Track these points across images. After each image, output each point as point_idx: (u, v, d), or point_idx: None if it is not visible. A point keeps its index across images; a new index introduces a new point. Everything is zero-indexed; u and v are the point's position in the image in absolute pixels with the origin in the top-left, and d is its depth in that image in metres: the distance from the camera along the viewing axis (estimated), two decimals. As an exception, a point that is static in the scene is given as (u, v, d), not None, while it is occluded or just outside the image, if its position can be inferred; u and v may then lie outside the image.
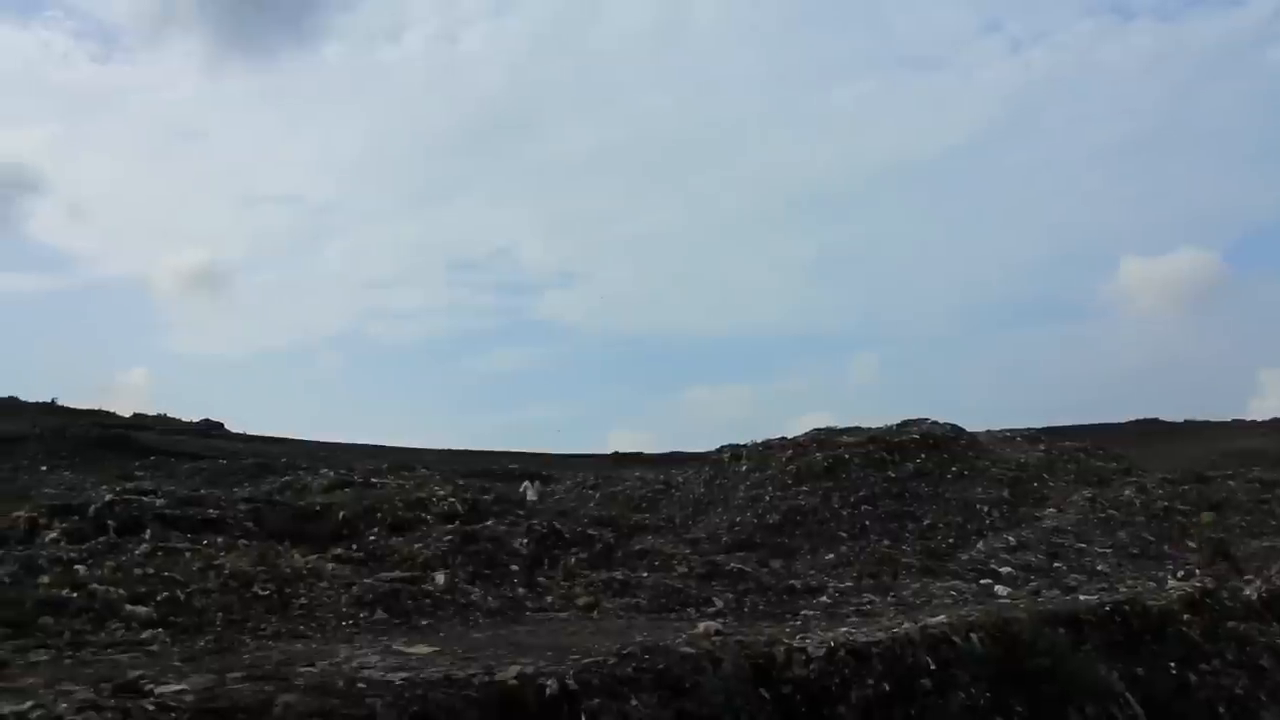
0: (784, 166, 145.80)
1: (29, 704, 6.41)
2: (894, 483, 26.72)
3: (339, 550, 17.71)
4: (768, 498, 25.92)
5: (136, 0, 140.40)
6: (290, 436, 50.19)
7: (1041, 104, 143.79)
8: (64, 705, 6.42)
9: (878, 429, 30.91)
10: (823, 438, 30.04)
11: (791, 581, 18.21)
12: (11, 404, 51.63)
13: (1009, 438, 35.85)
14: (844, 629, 12.36)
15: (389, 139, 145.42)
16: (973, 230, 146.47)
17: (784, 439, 30.76)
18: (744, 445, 31.19)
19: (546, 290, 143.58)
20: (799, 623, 13.90)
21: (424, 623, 13.66)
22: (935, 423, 32.03)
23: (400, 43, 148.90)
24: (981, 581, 18.99)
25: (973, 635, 11.85)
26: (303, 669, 8.41)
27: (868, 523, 24.24)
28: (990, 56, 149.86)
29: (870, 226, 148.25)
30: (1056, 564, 20.88)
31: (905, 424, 31.73)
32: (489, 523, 19.76)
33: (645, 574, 17.84)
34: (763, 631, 12.07)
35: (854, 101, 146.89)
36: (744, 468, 29.00)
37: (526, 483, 22.44)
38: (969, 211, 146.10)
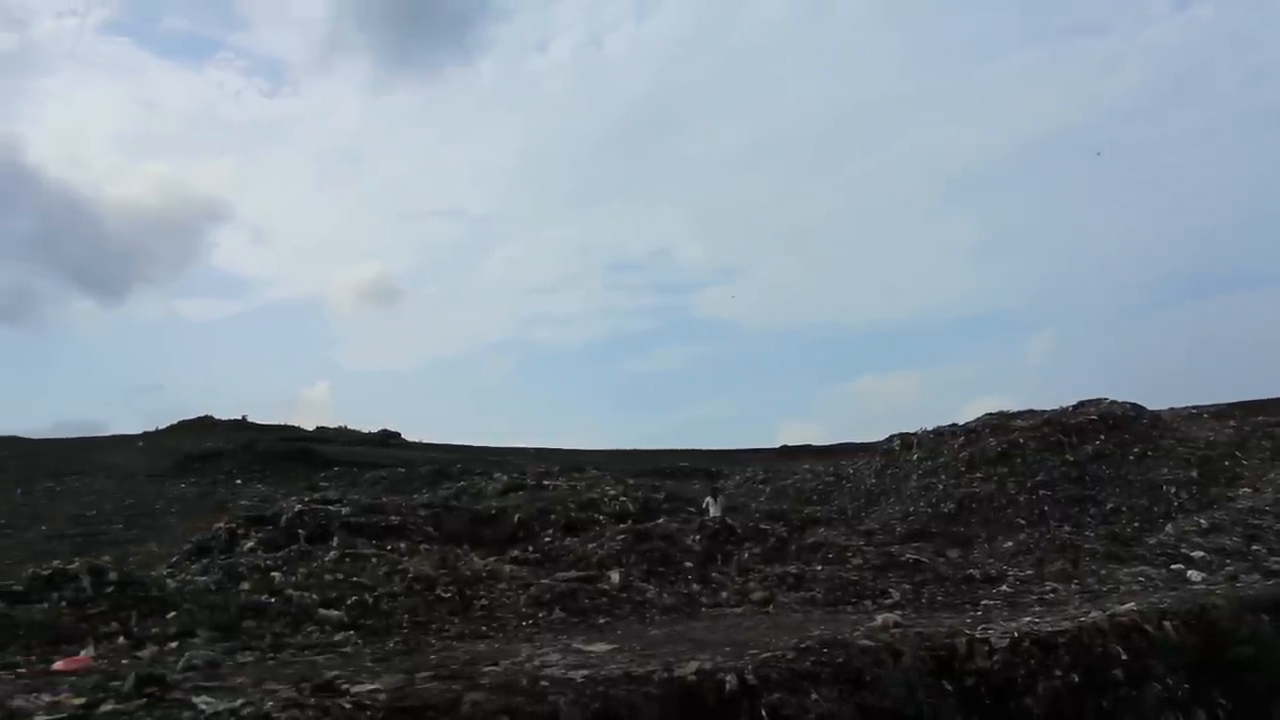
0: (941, 145, 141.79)
1: (240, 701, 6.80)
2: (1073, 466, 25.84)
3: (516, 552, 18.19)
4: (941, 486, 25.41)
5: (306, 31, 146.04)
6: (463, 443, 51.53)
7: (1210, 62, 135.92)
8: (270, 704, 6.78)
9: (1053, 411, 29.93)
10: (995, 422, 29.26)
11: (969, 571, 17.87)
12: (206, 422, 54.43)
13: (1195, 415, 34.26)
14: (1027, 619, 12.07)
15: (543, 147, 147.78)
16: (1146, 198, 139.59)
17: (955, 426, 30.10)
18: (914, 433, 30.66)
19: (705, 288, 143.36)
20: (980, 613, 13.60)
21: (601, 621, 13.89)
22: (1114, 402, 30.82)
23: (548, 52, 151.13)
24: (1172, 567, 18.22)
25: (1166, 623, 11.40)
26: (487, 668, 8.67)
27: (1046, 508, 23.51)
28: (1152, 16, 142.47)
29: (1035, 201, 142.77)
30: (1255, 546, 19.82)
31: (1082, 404, 30.61)
32: (660, 521, 19.96)
33: (819, 567, 17.73)
34: (942, 623, 11.86)
35: (1010, 73, 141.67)
36: (915, 456, 28.50)
37: (709, 499, 22.26)
38: (1140, 179, 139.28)
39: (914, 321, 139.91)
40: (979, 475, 25.48)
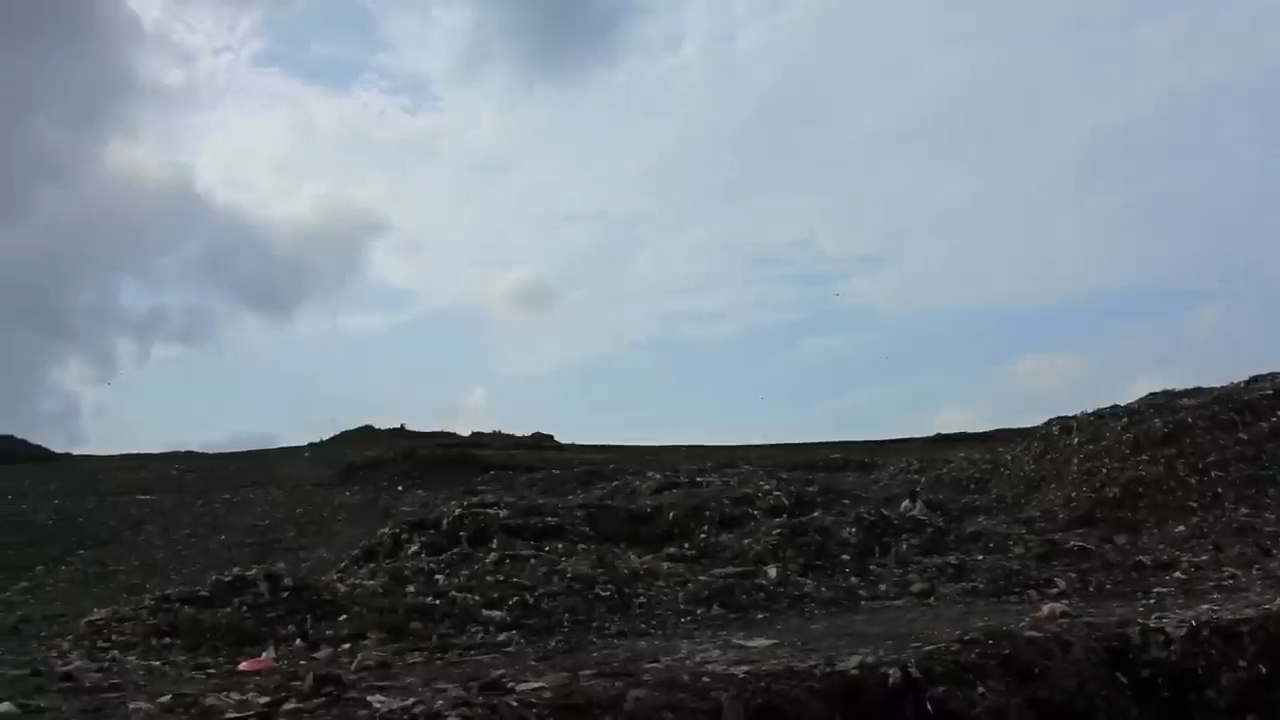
0: (1087, 115, 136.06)
1: (411, 700, 7.03)
2: (1247, 445, 24.50)
3: (672, 549, 18.31)
4: (1104, 470, 24.47)
5: (451, 44, 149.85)
6: (615, 443, 51.99)
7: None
8: (440, 702, 6.98)
9: (1223, 388, 28.45)
10: (1160, 402, 28.03)
11: (1139, 557, 17.23)
12: (367, 432, 56.36)
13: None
14: (1205, 607, 11.57)
15: (682, 145, 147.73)
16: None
17: (1117, 407, 28.94)
18: (1073, 417, 29.59)
19: (851, 277, 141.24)
20: (1152, 601, 13.10)
21: (760, 616, 13.89)
22: (1291, 375, 29.13)
23: (680, 51, 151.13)
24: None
25: (1363, 609, 10.80)
26: (649, 665, 8.77)
27: (1220, 490, 22.39)
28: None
29: (1196, 166, 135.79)
30: None
31: (1255, 380, 28.99)
32: (816, 514, 19.83)
33: (980, 557, 17.38)
34: (1113, 612, 11.50)
35: (1160, 34, 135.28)
36: (1075, 440, 27.50)
37: (906, 502, 21.83)
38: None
39: (1070, 300, 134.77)
40: (1145, 458, 24.41)
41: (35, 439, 56.24)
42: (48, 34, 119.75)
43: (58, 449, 56.02)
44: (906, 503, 21.95)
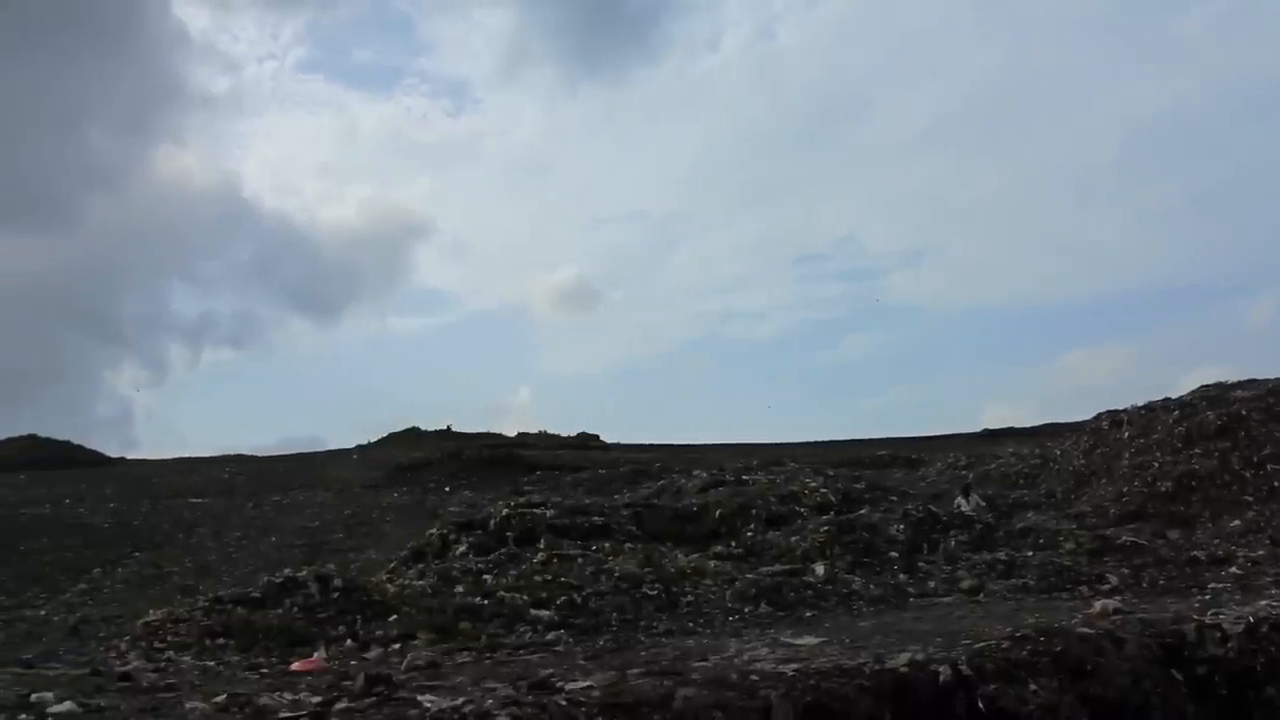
0: (1133, 106, 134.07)
1: (461, 700, 7.08)
2: (1304, 438, 24.12)
3: (718, 547, 18.29)
4: (1156, 464, 24.13)
5: (491, 46, 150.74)
6: (660, 442, 52.00)
7: None
8: (490, 701, 7.02)
9: (1278, 380, 28.01)
10: (1213, 394, 27.57)
11: (1194, 553, 16.98)
12: (413, 433, 56.76)
13: None
14: (1264, 603, 11.39)
15: (722, 143, 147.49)
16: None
17: (1168, 400, 28.52)
18: (1123, 410, 29.20)
19: (894, 272, 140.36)
20: (1208, 597, 12.91)
21: (808, 614, 13.84)
22: (1348, 366, 28.64)
23: (720, 49, 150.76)
24: None
25: None
26: (697, 663, 8.76)
27: (1276, 483, 22.01)
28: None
29: (1244, 157, 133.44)
30: None
31: (1311, 371, 28.53)
32: (863, 511, 19.73)
33: (1030, 553, 17.21)
34: (1167, 608, 11.34)
35: (1199, 22, 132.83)
36: (1126, 434, 27.14)
37: (960, 498, 21.59)
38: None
39: (1118, 293, 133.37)
40: (1198, 451, 24.03)
41: (91, 444, 57.17)
42: (98, 45, 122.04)
43: (112, 454, 56.98)
44: (960, 498, 21.74)
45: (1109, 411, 29.91)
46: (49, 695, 6.99)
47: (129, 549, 26.27)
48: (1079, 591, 14.53)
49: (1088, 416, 31.36)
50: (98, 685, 8.01)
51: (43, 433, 55.69)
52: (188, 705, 6.96)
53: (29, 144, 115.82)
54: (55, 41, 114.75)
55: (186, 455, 53.32)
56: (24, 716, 6.52)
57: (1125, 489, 23.48)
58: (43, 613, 18.81)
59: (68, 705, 6.71)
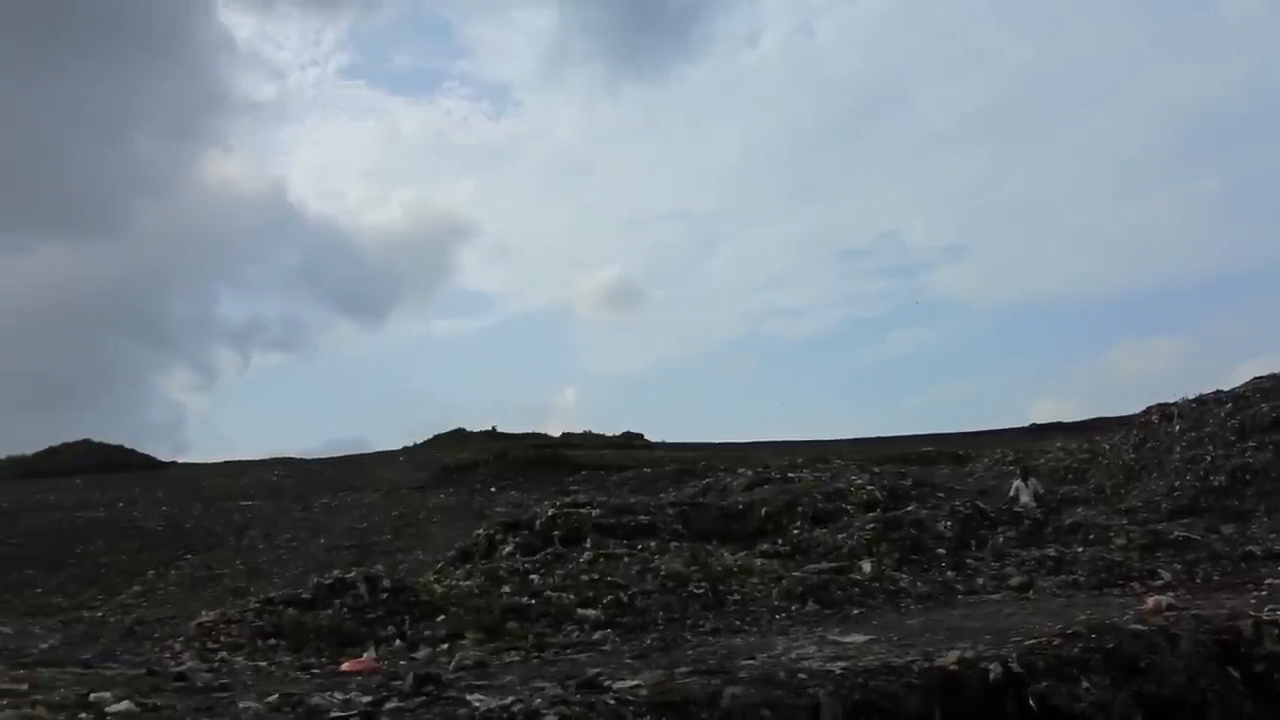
0: (1178, 95, 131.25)
1: (510, 699, 7.12)
2: (1361, 429, 23.66)
3: (765, 545, 18.27)
4: (1209, 458, 23.76)
5: (532, 47, 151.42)
6: (705, 440, 51.94)
7: None
8: (538, 701, 7.06)
9: (1334, 371, 27.50)
10: (1267, 386, 27.09)
11: (1248, 547, 16.73)
12: (459, 434, 57.03)
13: None
14: (1322, 597, 11.24)
15: (763, 140, 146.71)
16: None
17: (1220, 392, 28.07)
18: (1174, 403, 28.78)
19: (937, 267, 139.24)
20: (1264, 592, 12.71)
21: (855, 611, 13.79)
22: (1406, 356, 28.09)
23: (759, 46, 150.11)
24: None
25: None
26: (745, 662, 8.75)
27: (1334, 477, 21.64)
28: None
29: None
30: None
31: (1368, 362, 27.98)
32: (910, 508, 19.61)
33: (1080, 549, 17.05)
34: (1222, 604, 11.18)
35: (1248, 8, 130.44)
36: (1177, 427, 26.74)
37: (1017, 482, 21.24)
38: None
39: (1166, 285, 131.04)
40: (1252, 444, 23.63)
41: (143, 448, 57.89)
42: (146, 52, 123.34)
43: (164, 458, 57.74)
44: (1018, 482, 21.51)
45: (1159, 405, 29.48)
46: (108, 695, 7.12)
47: (182, 551, 26.63)
48: (1130, 588, 14.38)
49: (1136, 410, 30.95)
50: (154, 685, 8.14)
51: (96, 437, 56.57)
52: (241, 705, 7.06)
53: (78, 151, 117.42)
54: (104, 50, 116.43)
55: (235, 458, 53.97)
56: (84, 715, 6.65)
57: (1177, 483, 23.15)
58: (100, 614, 19.11)
59: (125, 705, 6.83)
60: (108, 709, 6.75)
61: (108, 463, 51.41)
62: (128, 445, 57.06)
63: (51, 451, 54.14)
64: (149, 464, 54.43)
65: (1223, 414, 25.95)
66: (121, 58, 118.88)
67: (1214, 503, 21.55)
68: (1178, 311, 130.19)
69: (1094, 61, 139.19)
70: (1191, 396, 28.71)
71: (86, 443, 55.43)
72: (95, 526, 30.53)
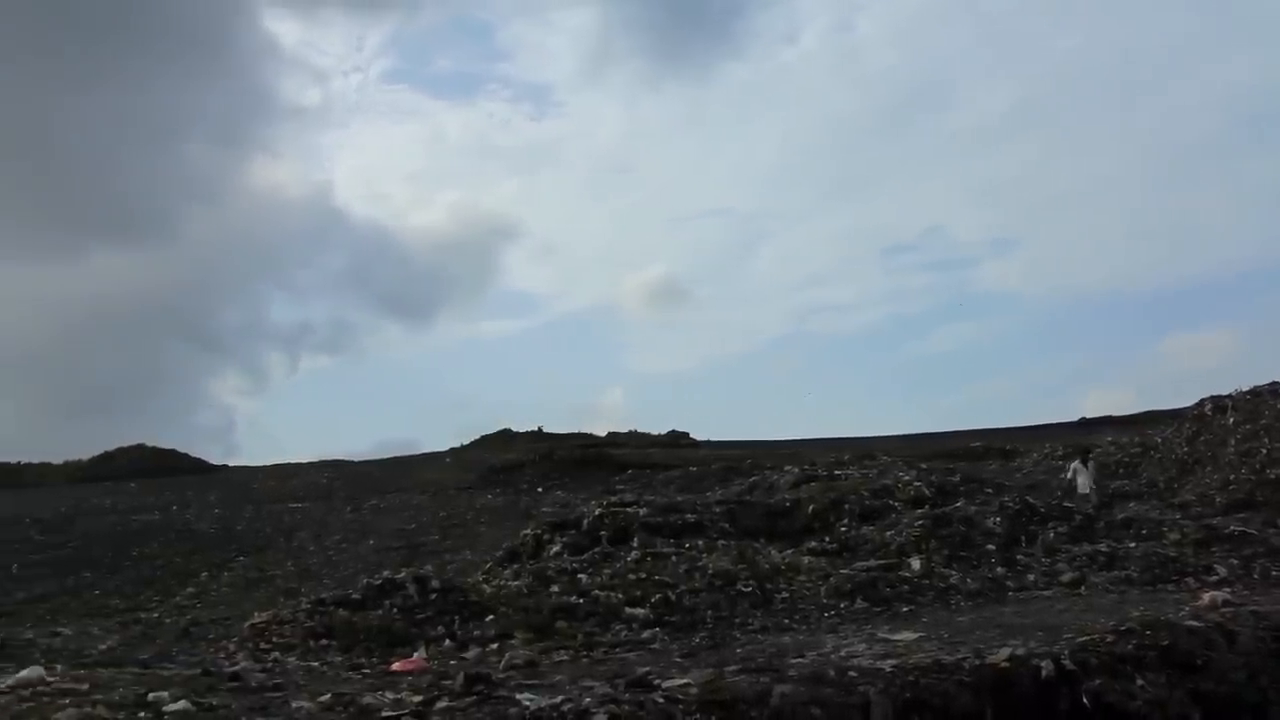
0: (1231, 82, 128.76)
1: (560, 698, 7.16)
2: None
3: (812, 543, 18.17)
4: (1265, 451, 23.38)
5: (574, 46, 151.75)
6: (751, 438, 51.82)
7: None
8: (588, 699, 7.09)
9: (1396, 360, 26.94)
10: (1324, 376, 26.66)
11: (1308, 542, 16.47)
12: (505, 435, 57.34)
13: None
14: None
15: (805, 136, 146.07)
16: None
17: (1275, 384, 27.60)
18: (1228, 396, 28.32)
19: (984, 261, 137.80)
20: (1324, 587, 12.51)
21: (905, 609, 13.71)
22: None
23: (799, 42, 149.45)
24: None
25: None
26: (794, 660, 8.73)
27: (1395, 468, 21.23)
28: None
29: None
30: None
31: None
32: (958, 504, 19.43)
33: (1133, 544, 16.83)
34: (1280, 599, 11.03)
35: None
36: (1231, 420, 26.32)
37: (1076, 463, 20.86)
38: None
39: (1218, 275, 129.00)
40: (1309, 436, 23.30)
41: (195, 452, 58.81)
42: (193, 60, 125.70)
43: (215, 461, 58.60)
44: (1076, 463, 21.24)
45: (1212, 397, 29.02)
46: (165, 694, 7.23)
47: (234, 553, 26.98)
48: (1185, 583, 14.20)
49: (1189, 403, 30.51)
50: (209, 685, 8.25)
51: (150, 441, 57.55)
52: (294, 704, 7.14)
53: (130, 158, 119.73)
54: (151, 58, 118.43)
55: (285, 461, 54.59)
56: (143, 714, 6.77)
57: (1232, 477, 22.81)
58: (156, 615, 19.40)
59: (182, 704, 6.93)
60: (165, 708, 6.86)
61: (161, 466, 52.32)
62: (180, 449, 58.09)
63: (107, 456, 55.26)
64: (201, 467, 55.28)
65: (1279, 406, 25.53)
66: (169, 66, 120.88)
67: (1271, 496, 21.19)
68: (1230, 302, 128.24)
69: (1141, 50, 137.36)
70: (1246, 388, 28.27)
71: (140, 447, 56.44)
72: (150, 529, 31.05)
